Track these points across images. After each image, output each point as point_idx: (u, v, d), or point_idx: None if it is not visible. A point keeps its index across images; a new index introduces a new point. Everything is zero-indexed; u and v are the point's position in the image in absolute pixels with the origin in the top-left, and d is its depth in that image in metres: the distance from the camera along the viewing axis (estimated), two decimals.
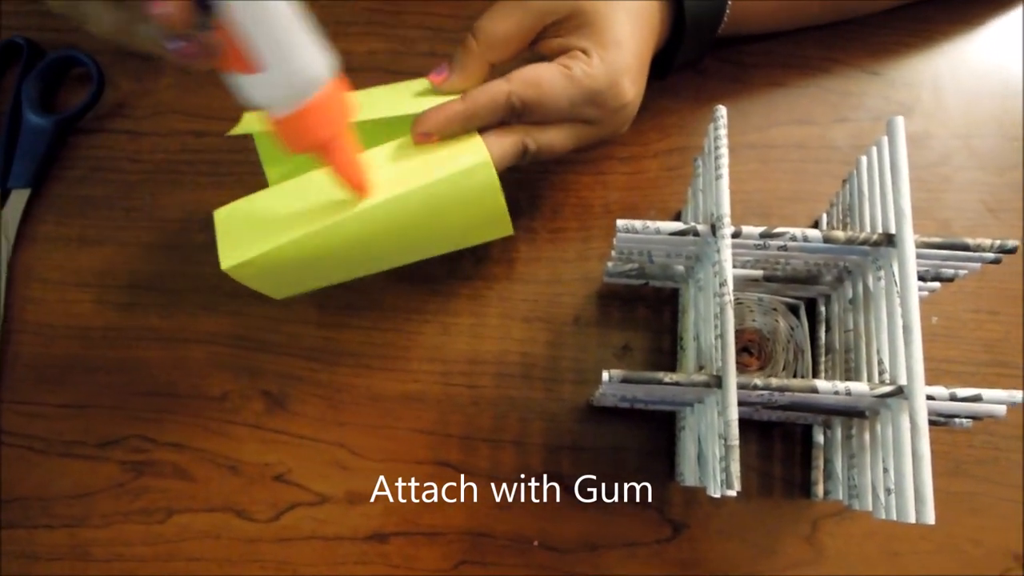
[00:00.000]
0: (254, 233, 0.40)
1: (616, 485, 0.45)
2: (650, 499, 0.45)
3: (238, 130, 0.43)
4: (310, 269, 0.43)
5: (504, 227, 0.44)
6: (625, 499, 0.45)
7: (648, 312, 0.47)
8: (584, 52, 0.40)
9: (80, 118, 0.51)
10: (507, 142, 0.40)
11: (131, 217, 0.50)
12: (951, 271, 0.40)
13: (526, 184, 0.49)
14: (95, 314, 0.48)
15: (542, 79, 0.39)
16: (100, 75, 0.50)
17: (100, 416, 0.47)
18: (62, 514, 0.46)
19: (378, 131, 0.41)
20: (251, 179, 0.49)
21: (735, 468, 0.33)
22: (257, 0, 0.30)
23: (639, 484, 0.45)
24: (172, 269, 0.49)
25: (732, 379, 0.34)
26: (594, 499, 0.45)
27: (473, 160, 0.39)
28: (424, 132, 0.39)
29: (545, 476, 0.45)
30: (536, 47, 0.42)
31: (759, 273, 0.44)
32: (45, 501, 0.46)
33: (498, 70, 0.41)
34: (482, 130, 0.40)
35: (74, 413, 0.47)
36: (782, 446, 0.45)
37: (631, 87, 0.41)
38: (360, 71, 0.51)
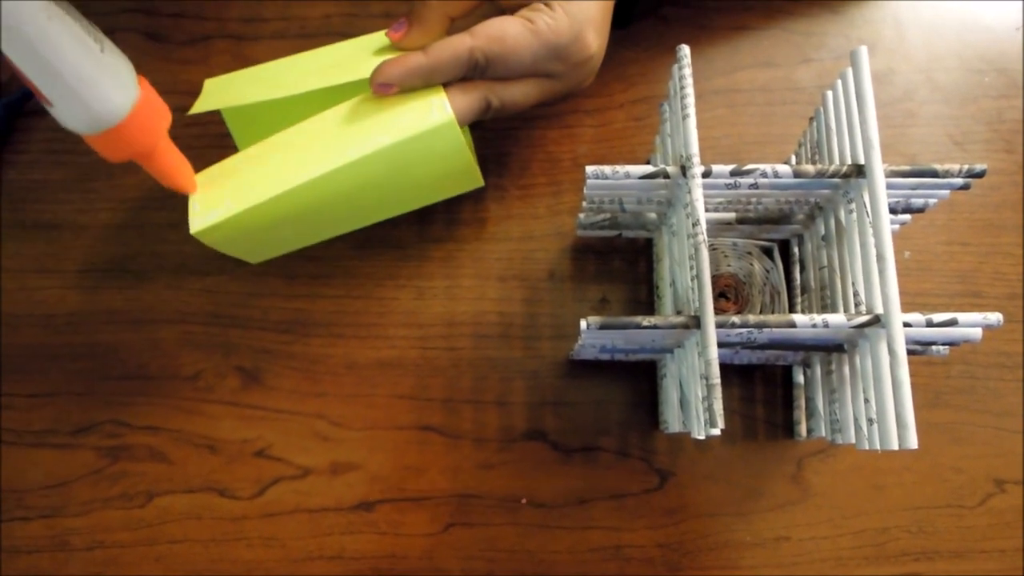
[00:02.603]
0: (223, 197, 0.39)
1: (601, 438, 0.45)
2: (636, 450, 0.45)
3: (198, 108, 0.42)
4: (281, 231, 0.42)
5: (474, 179, 0.43)
6: (611, 451, 0.45)
7: (623, 263, 0.47)
8: (546, 4, 0.39)
9: (29, 99, 0.49)
10: (471, 98, 0.39)
11: (89, 199, 0.48)
12: (921, 201, 0.40)
13: (493, 141, 0.48)
14: (58, 300, 0.47)
15: (506, 34, 0.39)
16: None
17: (71, 403, 0.46)
18: (38, 505, 0.44)
19: (338, 93, 0.40)
20: (212, 153, 0.47)
21: (718, 406, 0.32)
22: (28, 46, 0.30)
23: (624, 436, 0.45)
24: (135, 250, 0.47)
25: (710, 317, 0.33)
26: (580, 453, 0.45)
27: (438, 119, 0.38)
28: (383, 83, 0.38)
29: (529, 434, 0.45)
30: (496, 0, 0.41)
31: (731, 216, 0.43)
32: (19, 493, 0.44)
33: (457, 25, 0.40)
34: (444, 85, 0.39)
35: (44, 402, 0.46)
36: (763, 388, 0.46)
37: (595, 39, 0.40)
38: (315, 36, 0.50)
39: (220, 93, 0.43)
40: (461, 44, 0.38)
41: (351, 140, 0.39)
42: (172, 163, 0.38)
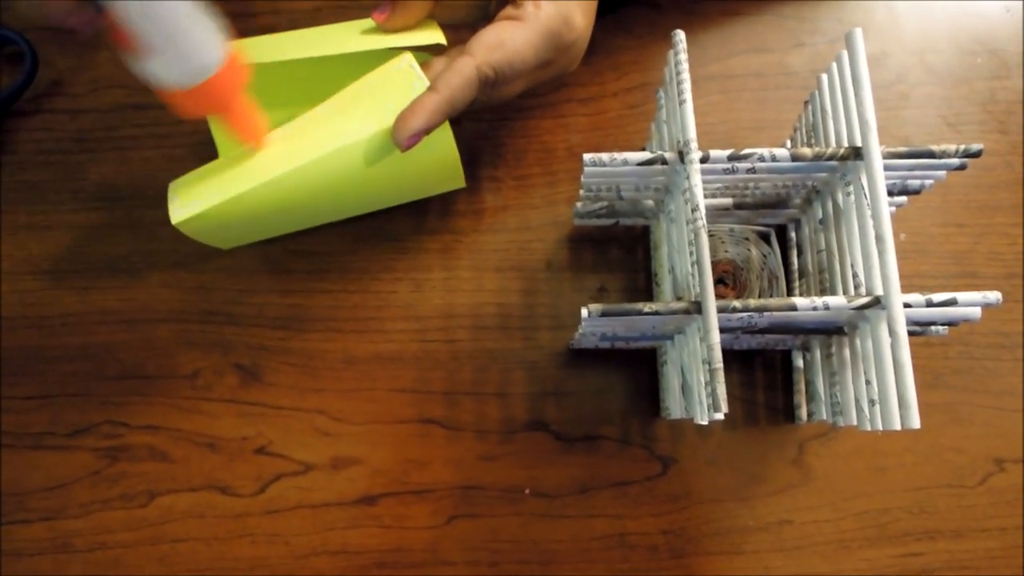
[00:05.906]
0: (204, 189, 0.40)
1: (602, 427, 0.45)
2: (637, 437, 0.45)
3: None
4: (261, 221, 0.42)
5: (457, 179, 0.43)
6: (612, 440, 0.45)
7: (621, 252, 0.47)
8: None
9: (15, 100, 0.48)
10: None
11: (79, 199, 0.48)
12: (918, 183, 0.40)
13: (487, 133, 0.48)
14: (52, 301, 0.46)
15: (502, 39, 0.38)
16: (33, 53, 0.48)
17: (68, 405, 0.45)
18: (38, 507, 0.44)
19: (325, 69, 0.41)
20: (201, 149, 0.47)
21: (721, 391, 0.32)
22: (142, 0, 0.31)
23: (625, 424, 0.45)
24: (128, 249, 0.47)
25: (711, 302, 0.33)
26: (582, 442, 0.45)
27: None
28: (410, 136, 0.37)
29: (531, 424, 0.45)
30: None
31: (728, 201, 0.43)
32: (19, 496, 0.44)
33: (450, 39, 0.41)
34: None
35: (40, 404, 0.45)
36: (763, 374, 0.46)
37: (581, 18, 0.41)
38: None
39: None
40: (466, 66, 0.38)
41: (334, 131, 0.39)
42: (246, 119, 0.39)
